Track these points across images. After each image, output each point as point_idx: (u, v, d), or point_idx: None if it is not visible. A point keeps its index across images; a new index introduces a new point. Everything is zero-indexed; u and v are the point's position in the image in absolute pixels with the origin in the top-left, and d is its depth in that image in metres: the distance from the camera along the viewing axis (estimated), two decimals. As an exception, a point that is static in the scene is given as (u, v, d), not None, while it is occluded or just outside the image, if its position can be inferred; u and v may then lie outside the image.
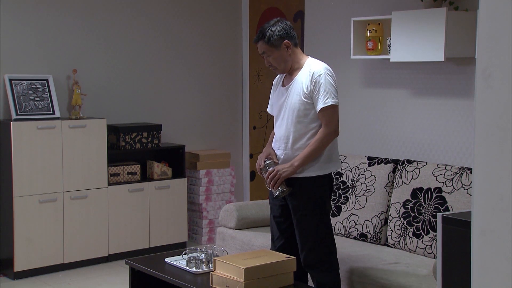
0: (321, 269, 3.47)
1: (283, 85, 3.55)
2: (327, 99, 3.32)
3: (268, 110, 3.73)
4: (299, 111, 3.41)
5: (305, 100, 3.39)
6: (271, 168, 3.44)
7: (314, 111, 3.39)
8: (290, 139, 3.45)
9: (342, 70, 5.15)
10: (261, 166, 3.51)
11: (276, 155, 3.52)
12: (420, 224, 4.02)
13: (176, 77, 5.94)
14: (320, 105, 3.33)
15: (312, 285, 3.57)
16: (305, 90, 3.38)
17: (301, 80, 3.41)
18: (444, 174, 4.02)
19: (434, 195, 4.00)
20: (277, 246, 3.63)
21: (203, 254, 3.54)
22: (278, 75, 3.65)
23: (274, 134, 3.60)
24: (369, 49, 4.65)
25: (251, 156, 6.29)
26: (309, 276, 3.70)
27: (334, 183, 3.72)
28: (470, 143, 4.35)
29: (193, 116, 6.06)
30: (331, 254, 3.51)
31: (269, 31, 3.43)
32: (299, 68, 3.47)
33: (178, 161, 5.68)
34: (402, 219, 4.12)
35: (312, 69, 3.40)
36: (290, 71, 3.50)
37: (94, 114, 5.42)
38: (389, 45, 4.53)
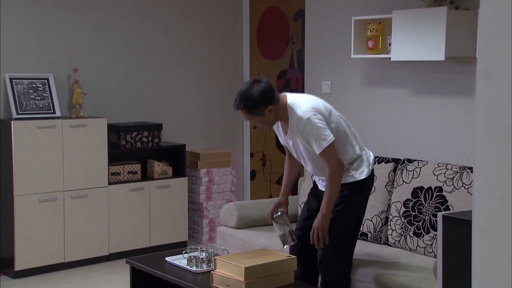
0: (334, 268, 3.48)
1: (284, 132, 3.54)
2: (319, 144, 3.34)
3: (280, 141, 3.73)
4: (310, 151, 3.44)
5: (308, 142, 3.42)
6: (311, 231, 3.45)
7: None
8: (319, 171, 3.52)
9: (343, 69, 5.15)
10: (271, 219, 3.63)
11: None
12: (420, 223, 4.01)
13: (177, 76, 5.94)
14: (317, 151, 3.37)
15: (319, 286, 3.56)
16: (302, 139, 3.42)
17: (294, 130, 3.42)
18: (445, 173, 4.02)
19: (434, 194, 4.00)
20: (296, 232, 3.66)
21: (203, 253, 3.54)
22: None
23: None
24: (370, 48, 4.65)
25: (251, 155, 6.29)
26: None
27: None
28: (470, 142, 4.34)
29: (193, 115, 6.06)
30: (348, 256, 3.54)
31: (249, 102, 3.35)
32: (287, 117, 3.43)
33: (179, 160, 5.68)
34: (402, 218, 4.12)
35: (295, 122, 3.38)
36: (282, 120, 3.48)
37: (94, 113, 5.42)
38: (390, 44, 4.53)
